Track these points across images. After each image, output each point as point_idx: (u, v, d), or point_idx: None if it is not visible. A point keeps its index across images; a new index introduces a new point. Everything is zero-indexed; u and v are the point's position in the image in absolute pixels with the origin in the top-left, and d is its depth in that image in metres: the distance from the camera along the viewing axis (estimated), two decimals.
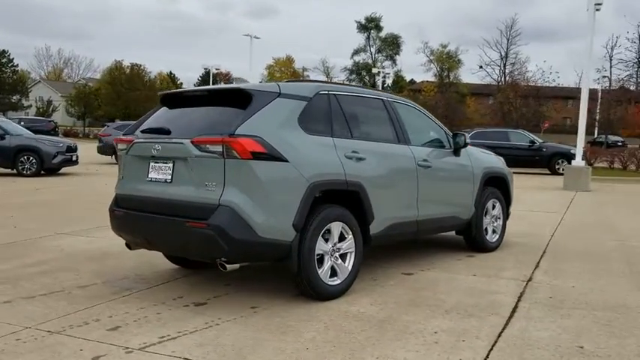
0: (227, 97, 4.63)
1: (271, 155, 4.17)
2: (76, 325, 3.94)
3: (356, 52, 76.44)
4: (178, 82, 79.88)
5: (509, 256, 6.41)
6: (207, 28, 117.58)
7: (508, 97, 79.58)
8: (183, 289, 4.84)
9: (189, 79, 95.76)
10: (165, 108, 5.00)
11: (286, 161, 4.24)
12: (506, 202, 6.93)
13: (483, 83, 79.04)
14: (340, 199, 4.64)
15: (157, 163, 4.53)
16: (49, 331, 3.81)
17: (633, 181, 18.86)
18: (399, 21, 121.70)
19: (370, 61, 76.14)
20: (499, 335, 3.81)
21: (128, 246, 5.02)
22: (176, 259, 5.49)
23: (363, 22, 74.67)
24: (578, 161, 15.78)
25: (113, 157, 22.17)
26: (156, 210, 4.45)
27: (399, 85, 75.23)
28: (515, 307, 4.44)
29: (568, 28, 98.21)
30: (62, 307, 4.32)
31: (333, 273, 4.61)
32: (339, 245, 4.64)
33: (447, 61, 78.72)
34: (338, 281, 4.63)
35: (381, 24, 75.03)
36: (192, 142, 4.22)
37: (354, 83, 61.26)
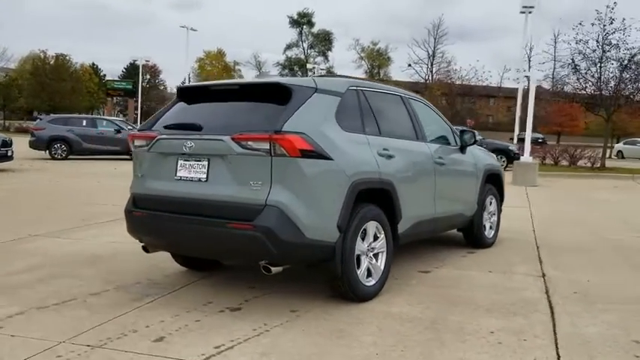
0: (263, 91, 4.39)
1: (318, 153, 4.00)
2: (115, 337, 3.63)
3: (288, 47, 76.17)
4: (101, 74, 76.57)
5: (507, 251, 6.53)
6: (130, 19, 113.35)
7: (435, 95, 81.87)
8: (209, 294, 4.57)
9: (113, 71, 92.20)
10: (183, 103, 4.70)
11: (331, 159, 4.08)
12: (500, 198, 7.06)
13: (412, 81, 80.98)
14: (374, 197, 4.53)
15: (188, 160, 4.24)
16: (88, 345, 3.48)
17: (569, 175, 19.82)
18: (327, 18, 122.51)
19: (303, 57, 76.07)
20: (555, 333, 3.83)
21: (145, 249, 4.69)
22: (186, 261, 5.20)
23: (296, 17, 74.46)
24: (527, 157, 16.42)
25: (47, 152, 20.98)
26: (188, 211, 4.16)
27: None
28: (550, 304, 4.49)
29: (489, 28, 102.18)
30: (87, 318, 3.97)
31: (368, 273, 4.50)
32: (373, 245, 4.54)
33: (377, 58, 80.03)
34: (373, 282, 4.53)
35: (313, 20, 75.10)
36: (233, 139, 3.97)
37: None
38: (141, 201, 4.50)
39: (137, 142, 4.58)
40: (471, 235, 6.50)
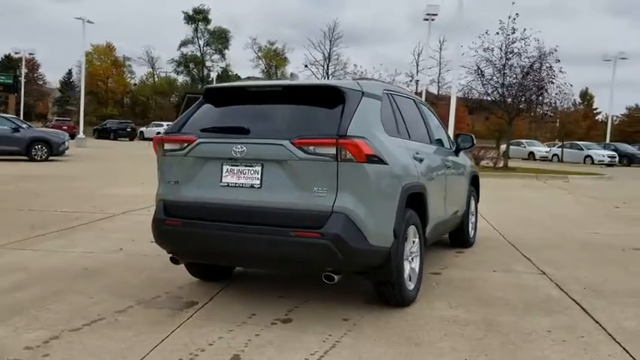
0: (312, 94, 4.23)
1: (379, 158, 3.93)
2: (187, 358, 3.34)
3: (183, 43, 74.11)
4: None
5: (491, 251, 6.79)
6: (3, 8, 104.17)
7: None
8: (244, 305, 4.32)
9: None
10: (211, 105, 4.42)
11: (387, 164, 4.03)
12: (477, 199, 7.33)
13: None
14: (412, 202, 4.53)
15: (237, 165, 3.99)
16: None
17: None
18: (219, 16, 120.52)
19: (199, 54, 74.40)
20: (604, 329, 4.04)
21: (175, 260, 4.36)
22: (203, 272, 4.90)
23: (191, 13, 72.60)
24: None
25: None
26: (239, 219, 3.92)
27: (229, 80, 74.58)
28: (575, 301, 4.72)
29: (378, 33, 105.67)
30: (135, 338, 3.62)
31: (409, 278, 4.50)
32: (412, 249, 4.55)
33: (274, 58, 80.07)
34: (412, 286, 4.53)
35: (209, 16, 73.65)
36: (294, 144, 3.80)
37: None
38: (176, 209, 4.17)
39: (168, 146, 4.24)
40: (461, 236, 6.68)
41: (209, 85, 4.57)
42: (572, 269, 5.86)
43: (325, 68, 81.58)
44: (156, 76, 76.72)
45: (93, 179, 14.23)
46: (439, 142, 6.03)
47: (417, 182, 4.51)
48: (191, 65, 74.27)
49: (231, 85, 4.57)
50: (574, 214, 10.74)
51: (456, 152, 6.29)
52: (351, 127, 3.84)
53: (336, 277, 3.86)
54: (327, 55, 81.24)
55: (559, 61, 21.89)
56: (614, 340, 3.82)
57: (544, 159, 39.53)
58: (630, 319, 4.27)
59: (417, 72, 79.19)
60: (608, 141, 43.63)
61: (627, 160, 38.45)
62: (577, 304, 4.63)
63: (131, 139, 47.21)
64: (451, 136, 7.06)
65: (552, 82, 21.94)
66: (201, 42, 74.96)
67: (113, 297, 4.49)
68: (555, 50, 21.74)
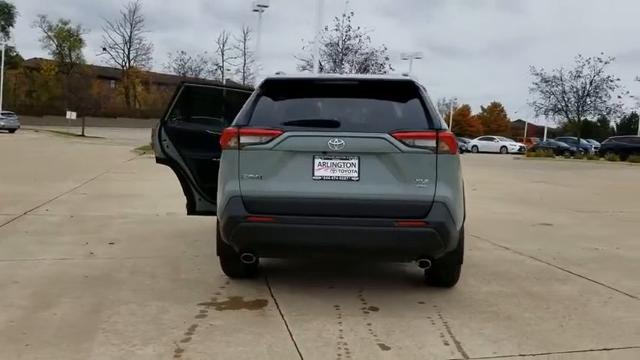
0: (388, 88, 4.35)
1: (459, 148, 4.24)
2: (344, 347, 3.34)
3: None
4: None
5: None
6: None
7: (133, 82, 79.19)
8: (316, 298, 4.32)
9: None
10: (271, 97, 4.30)
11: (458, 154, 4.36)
12: None
13: (108, 66, 76.93)
14: None
15: (331, 159, 3.98)
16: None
17: None
18: None
19: None
20: (614, 289, 4.87)
21: (248, 257, 4.18)
22: (237, 269, 4.73)
23: None
24: None
25: None
26: (338, 212, 3.94)
27: (14, 61, 66.52)
28: (562, 269, 5.55)
29: (175, 19, 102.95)
30: (270, 339, 3.48)
31: None
32: None
33: (67, 38, 73.62)
34: None
35: None
36: (395, 137, 3.93)
37: None
38: (262, 205, 4.01)
39: (247, 139, 4.05)
40: None
41: (270, 77, 4.41)
42: (521, 243, 6.76)
43: (126, 52, 77.38)
44: None
45: None
46: None
47: None
48: None
49: (299, 77, 4.49)
50: None
51: None
52: (440, 120, 4.10)
53: (430, 262, 4.11)
54: (127, 38, 77.07)
55: (388, 58, 23.90)
56: (631, 295, 4.66)
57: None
58: (621, 280, 5.18)
59: (223, 61, 79.32)
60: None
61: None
62: (567, 272, 5.46)
63: None
64: None
65: None
66: None
67: (178, 304, 4.15)
68: (385, 49, 23.71)
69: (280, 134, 4.00)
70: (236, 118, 4.28)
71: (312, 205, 3.97)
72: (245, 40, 76.83)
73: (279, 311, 4.05)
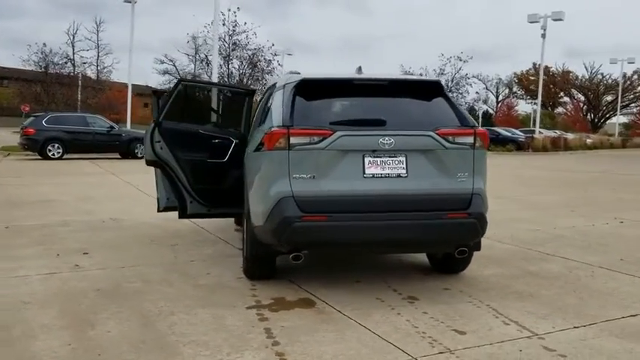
0: (417, 88, 4.56)
1: None
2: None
3: None
4: None
5: None
6: None
7: None
8: (357, 293, 4.45)
9: None
10: (306, 97, 4.33)
11: None
12: None
13: None
14: None
15: (380, 157, 4.12)
16: (448, 350, 3.34)
17: None
18: None
19: None
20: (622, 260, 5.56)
21: (298, 257, 4.18)
22: (264, 272, 4.72)
23: None
24: None
25: None
26: (389, 208, 4.10)
27: None
28: (553, 255, 6.18)
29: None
30: (351, 339, 3.56)
31: None
32: None
33: None
34: None
35: None
36: (439, 134, 4.17)
37: None
38: (316, 204, 4.04)
39: (297, 140, 4.04)
40: None
41: (307, 77, 4.40)
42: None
43: None
44: None
45: None
46: None
47: None
48: None
49: (337, 77, 4.52)
50: None
51: None
52: (470, 117, 4.42)
53: (467, 250, 4.41)
54: None
55: (276, 54, 24.08)
56: (606, 268, 5.34)
57: None
58: (585, 255, 5.88)
59: (74, 53, 74.14)
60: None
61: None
62: (538, 252, 6.08)
63: None
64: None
65: (271, 73, 24.04)
66: None
67: (226, 309, 4.04)
68: (273, 45, 23.85)
69: (331, 134, 4.05)
70: (273, 118, 4.26)
71: (364, 202, 4.09)
72: (98, 31, 72.41)
73: (334, 308, 4.12)
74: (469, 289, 4.63)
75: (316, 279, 4.83)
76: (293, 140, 4.06)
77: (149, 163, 5.47)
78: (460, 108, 4.54)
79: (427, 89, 4.64)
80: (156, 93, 5.85)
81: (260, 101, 5.91)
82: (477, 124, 4.41)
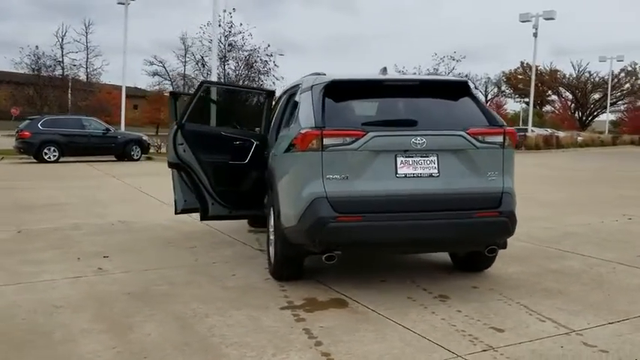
0: (446, 88, 4.59)
1: None
2: (468, 341, 3.55)
3: None
4: None
5: None
6: None
7: None
8: (388, 293, 4.46)
9: None
10: (335, 98, 4.35)
11: None
12: None
13: None
14: None
15: (412, 157, 4.14)
16: (484, 350, 3.37)
17: None
18: None
19: None
20: (619, 262, 5.59)
21: (331, 257, 4.19)
22: (293, 273, 4.72)
23: None
24: None
25: None
26: (421, 207, 4.12)
27: None
28: (557, 249, 6.24)
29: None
30: (394, 335, 3.58)
31: None
32: None
33: None
34: None
35: None
36: (470, 134, 4.20)
37: None
38: (350, 205, 4.05)
39: (331, 141, 4.05)
40: None
41: (336, 78, 4.41)
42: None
43: None
44: None
45: None
46: None
47: None
48: None
49: (366, 78, 4.54)
50: None
51: None
52: (498, 117, 4.45)
53: (497, 249, 4.44)
54: None
55: (271, 55, 24.06)
56: (627, 265, 5.40)
57: None
58: (603, 252, 5.95)
59: (62, 55, 73.56)
60: None
61: None
62: (557, 249, 6.13)
63: None
64: None
65: (267, 74, 24.03)
66: None
67: (261, 311, 4.04)
68: (268, 46, 23.83)
69: (364, 135, 4.07)
70: (304, 119, 4.27)
71: (397, 202, 4.11)
72: (87, 33, 71.89)
73: (367, 308, 4.13)
74: (498, 287, 4.65)
75: (344, 279, 4.83)
76: (326, 141, 4.07)
77: (171, 165, 5.46)
78: (487, 107, 4.57)
79: (455, 89, 4.66)
80: (173, 94, 5.84)
81: (278, 103, 5.91)
82: (505, 124, 4.44)
